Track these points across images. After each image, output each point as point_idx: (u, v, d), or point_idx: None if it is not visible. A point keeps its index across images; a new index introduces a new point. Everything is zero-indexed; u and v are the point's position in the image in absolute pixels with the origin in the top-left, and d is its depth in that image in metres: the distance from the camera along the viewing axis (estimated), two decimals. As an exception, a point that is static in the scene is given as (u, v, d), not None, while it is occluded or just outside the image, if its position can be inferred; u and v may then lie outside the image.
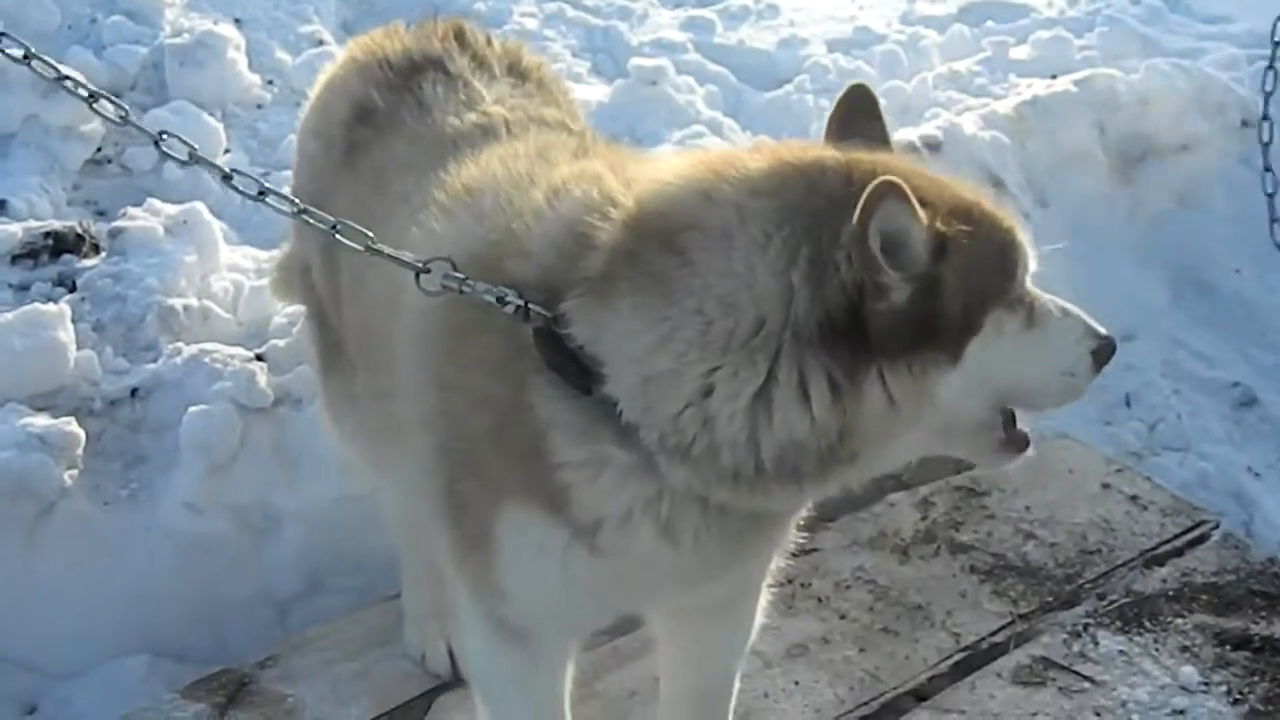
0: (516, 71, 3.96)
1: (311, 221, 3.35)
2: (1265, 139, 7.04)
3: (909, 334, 2.76)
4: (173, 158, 3.43)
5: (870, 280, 2.73)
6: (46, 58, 3.53)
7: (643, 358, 2.85)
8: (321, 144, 4.04)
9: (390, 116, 3.84)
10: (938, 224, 2.78)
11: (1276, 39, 6.72)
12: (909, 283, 2.74)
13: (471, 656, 3.56)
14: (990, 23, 8.67)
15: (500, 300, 2.95)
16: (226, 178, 3.39)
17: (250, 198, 3.40)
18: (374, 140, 3.83)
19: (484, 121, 3.67)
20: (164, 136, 3.41)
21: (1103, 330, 3.00)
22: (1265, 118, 7.03)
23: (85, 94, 3.51)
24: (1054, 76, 7.73)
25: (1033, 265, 2.93)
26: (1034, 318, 2.91)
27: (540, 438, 2.95)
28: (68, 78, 3.51)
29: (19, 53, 3.43)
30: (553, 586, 3.13)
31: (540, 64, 4.10)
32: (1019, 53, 8.32)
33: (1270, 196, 6.87)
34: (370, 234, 3.26)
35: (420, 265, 3.09)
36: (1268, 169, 6.93)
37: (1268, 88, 6.82)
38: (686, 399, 2.83)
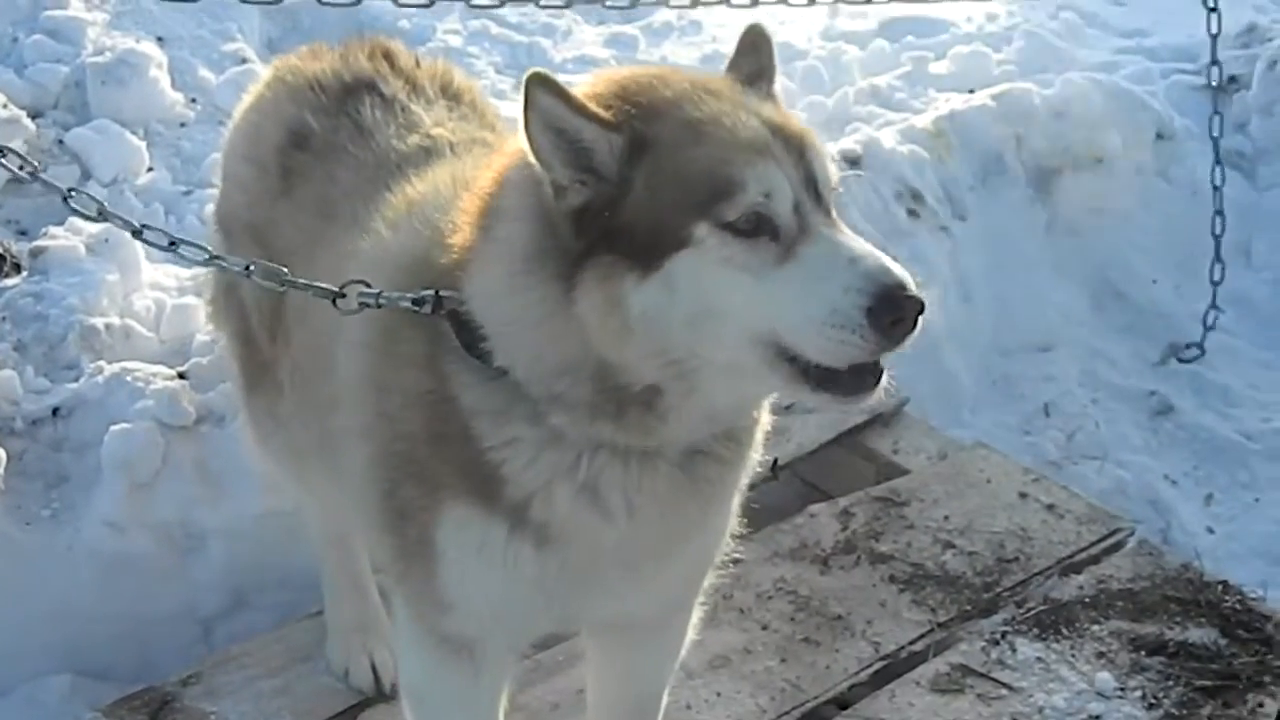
0: (450, 94, 4.00)
1: (224, 266, 3.42)
2: (1216, 133, 7.12)
3: (597, 238, 2.78)
4: (81, 214, 3.48)
5: (549, 181, 2.80)
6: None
7: (491, 303, 2.95)
8: (254, 169, 4.02)
9: (328, 141, 3.85)
10: (634, 125, 2.79)
11: (1214, 58, 6.80)
12: (587, 184, 2.79)
13: (409, 674, 3.59)
14: (910, 38, 8.74)
15: (416, 303, 3.03)
16: (137, 233, 3.46)
17: (162, 249, 3.46)
18: (314, 166, 3.83)
19: (429, 144, 3.71)
20: (72, 193, 3.47)
21: (895, 285, 2.68)
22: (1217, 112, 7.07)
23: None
24: (972, 91, 7.80)
25: (783, 199, 2.76)
26: (792, 254, 2.75)
27: (467, 427, 3.02)
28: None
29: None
30: (496, 588, 3.17)
31: (471, 86, 4.14)
32: (938, 67, 8.38)
33: (1217, 189, 6.93)
34: (284, 270, 3.33)
35: (336, 291, 3.16)
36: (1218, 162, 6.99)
37: (1217, 109, 6.90)
38: (520, 334, 2.91)
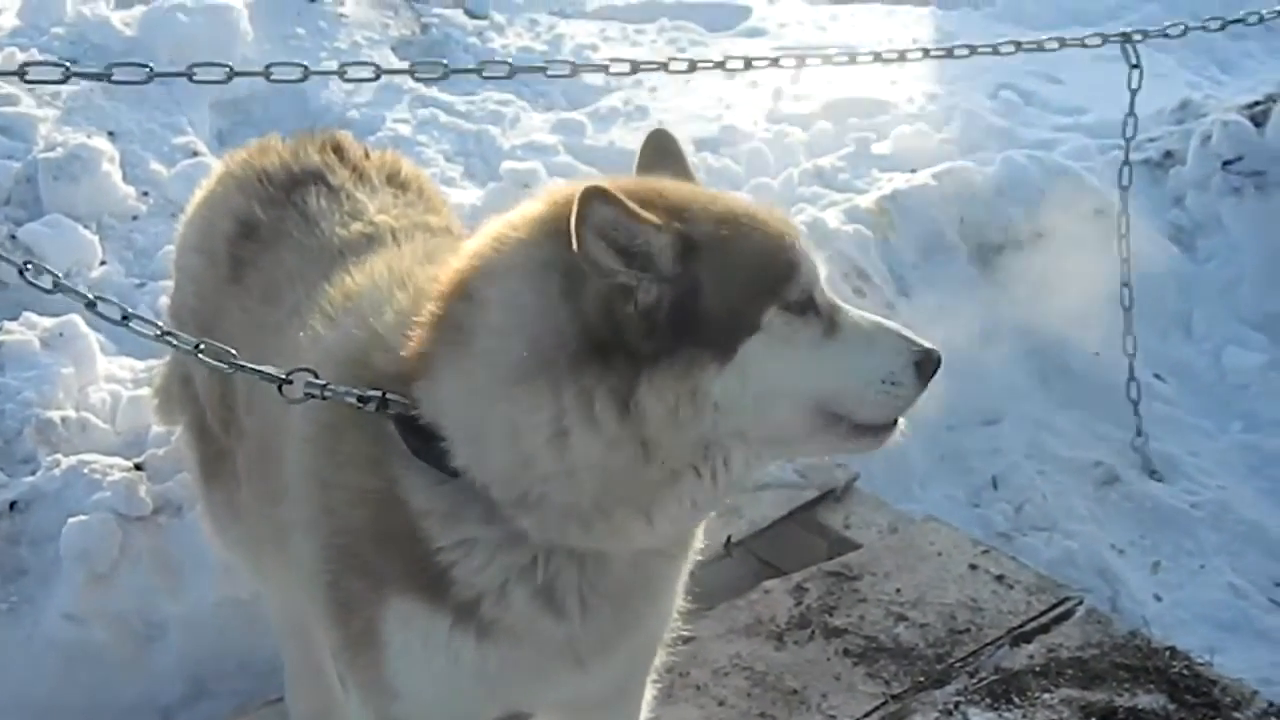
0: (396, 182, 4.07)
1: (174, 344, 3.45)
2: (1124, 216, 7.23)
3: (669, 335, 2.86)
4: (37, 286, 3.51)
5: (611, 285, 2.85)
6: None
7: (464, 414, 2.98)
8: (204, 260, 4.08)
9: (275, 230, 3.90)
10: (678, 225, 2.88)
11: (1128, 135, 6.92)
12: (655, 283, 2.85)
13: None
14: (853, 119, 8.89)
15: (361, 399, 3.07)
16: (90, 304, 3.48)
17: (115, 323, 3.49)
18: (261, 255, 3.88)
19: (371, 231, 3.76)
20: (28, 266, 3.50)
21: (924, 343, 3.04)
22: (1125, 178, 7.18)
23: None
24: (914, 170, 7.93)
25: (821, 274, 3.01)
26: (836, 326, 2.98)
27: (415, 527, 3.06)
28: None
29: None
30: (442, 679, 3.19)
31: (419, 174, 4.20)
32: (880, 147, 8.53)
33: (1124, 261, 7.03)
34: (233, 351, 3.37)
35: (282, 377, 3.20)
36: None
37: (1124, 182, 7.01)
38: (506, 444, 2.93)
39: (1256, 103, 8.63)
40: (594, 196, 2.80)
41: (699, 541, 3.38)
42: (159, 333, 3.50)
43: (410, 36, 10.36)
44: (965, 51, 6.41)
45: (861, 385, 2.98)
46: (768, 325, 2.89)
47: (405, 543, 3.07)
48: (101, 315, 3.51)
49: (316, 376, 3.17)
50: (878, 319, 3.07)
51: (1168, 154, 8.40)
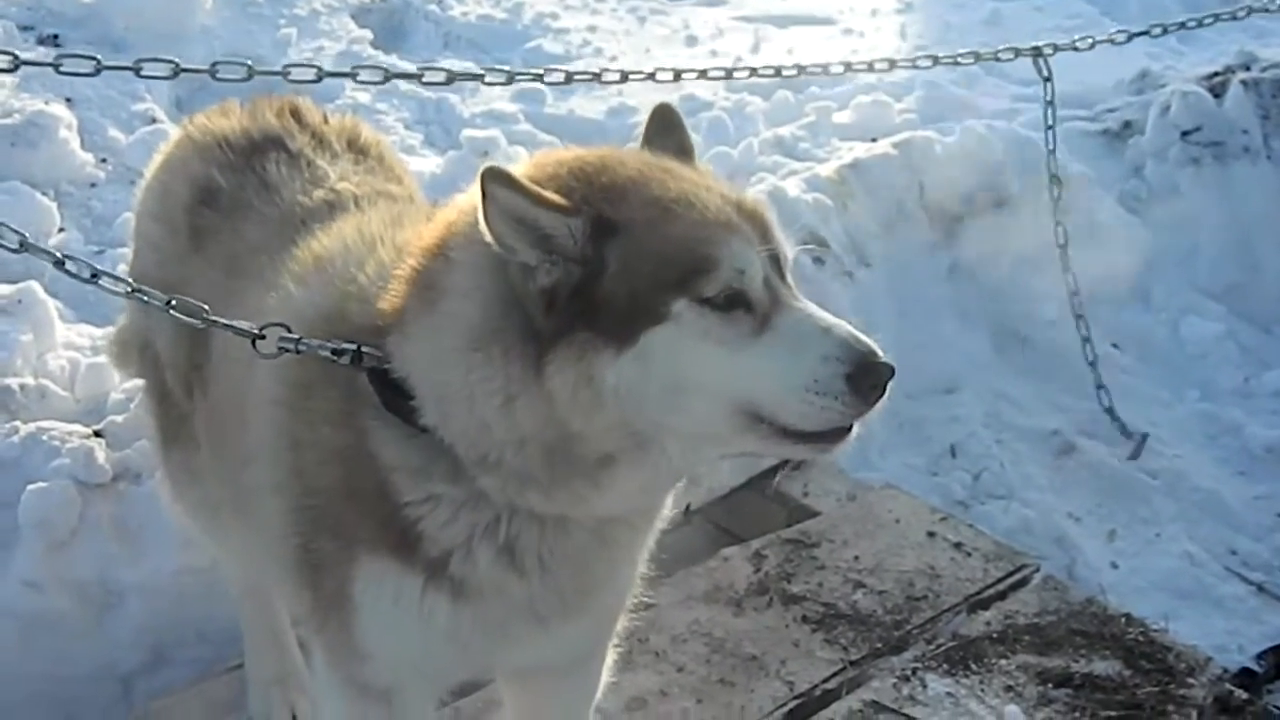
0: (356, 148, 4.06)
1: (146, 299, 3.44)
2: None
3: (568, 316, 2.85)
4: (4, 246, 3.50)
5: (516, 263, 2.87)
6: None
7: (430, 372, 2.99)
8: (164, 229, 4.06)
9: (235, 198, 3.89)
10: (592, 208, 2.88)
11: (1050, 147, 7.07)
12: (557, 264, 2.85)
13: None
14: (813, 89, 8.87)
15: (335, 352, 3.08)
16: (59, 263, 3.48)
17: (84, 281, 3.49)
18: (221, 223, 3.87)
19: (332, 198, 3.76)
20: None
21: (868, 353, 2.82)
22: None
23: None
24: (874, 139, 7.94)
25: (755, 274, 2.86)
26: (769, 326, 2.85)
27: (385, 483, 3.07)
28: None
29: None
30: (413, 638, 3.21)
31: (378, 140, 4.19)
32: (841, 117, 8.53)
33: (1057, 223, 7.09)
34: (205, 307, 3.37)
35: (255, 331, 3.20)
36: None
37: (1049, 146, 7.09)
38: (466, 406, 2.94)
39: (1215, 74, 8.66)
40: (492, 179, 2.82)
41: (667, 510, 3.39)
42: (130, 289, 3.50)
43: (370, 4, 10.30)
44: (885, 65, 6.83)
45: (782, 391, 2.82)
46: (677, 317, 2.82)
47: (375, 500, 3.09)
48: (70, 273, 3.51)
49: (290, 330, 3.19)
50: (831, 323, 2.86)
51: (1126, 124, 8.43)
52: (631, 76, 5.77)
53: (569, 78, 5.64)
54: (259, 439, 3.37)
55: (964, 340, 7.24)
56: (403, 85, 8.73)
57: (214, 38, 8.92)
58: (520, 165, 3.07)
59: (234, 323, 3.31)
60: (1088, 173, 7.80)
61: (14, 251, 3.57)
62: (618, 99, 8.76)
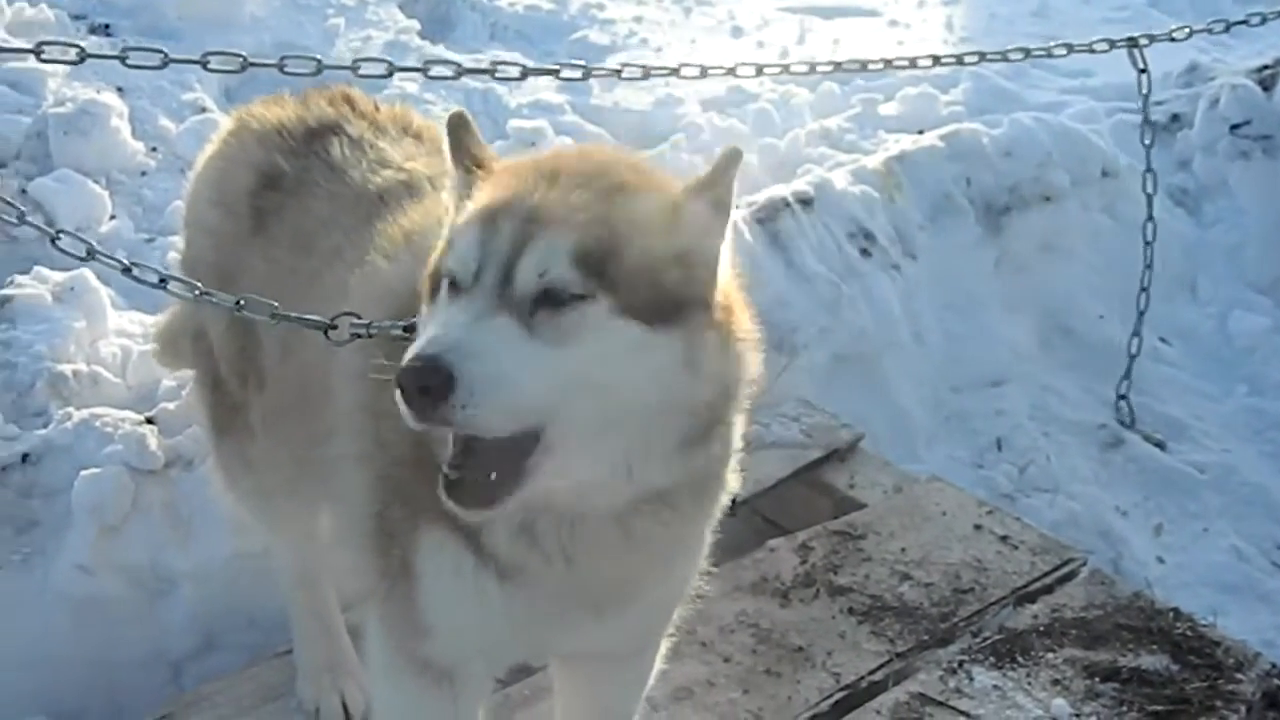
0: (411, 133, 4.08)
1: (215, 302, 3.50)
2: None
3: None
4: (70, 254, 3.56)
5: None
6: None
7: None
8: (222, 214, 4.09)
9: (300, 180, 3.93)
10: None
11: (1144, 91, 6.93)
12: None
13: (385, 704, 3.62)
14: (859, 80, 8.86)
15: (405, 329, 3.12)
16: (127, 270, 3.54)
17: (152, 286, 3.54)
18: (287, 204, 3.92)
19: (405, 178, 3.79)
20: (61, 235, 3.56)
21: (410, 355, 2.73)
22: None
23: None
24: (921, 131, 7.93)
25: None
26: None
27: (436, 454, 3.06)
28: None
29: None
30: (470, 613, 3.24)
31: (431, 126, 4.20)
32: (887, 109, 8.52)
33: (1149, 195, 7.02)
34: (275, 304, 3.41)
35: (327, 323, 3.25)
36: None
37: (1146, 141, 7.00)
38: None
39: (1265, 67, 8.62)
40: None
41: (716, 503, 3.36)
42: (197, 293, 3.55)
43: (417, -10, 10.32)
44: (974, 59, 6.58)
45: None
46: None
47: (436, 471, 3.09)
48: (138, 280, 3.58)
49: (358, 318, 3.25)
50: (442, 320, 2.83)
51: (1175, 117, 8.40)
52: (710, 70, 5.76)
53: (646, 73, 5.62)
54: (342, 411, 3.41)
55: (1010, 333, 7.22)
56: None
57: (263, 28, 8.96)
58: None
59: (306, 317, 3.39)
60: (1135, 165, 7.74)
61: (81, 260, 3.64)
62: (664, 90, 8.75)
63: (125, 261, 3.58)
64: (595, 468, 2.92)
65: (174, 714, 4.56)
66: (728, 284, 3.07)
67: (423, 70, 5.39)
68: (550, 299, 2.78)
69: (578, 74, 5.73)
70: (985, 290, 7.26)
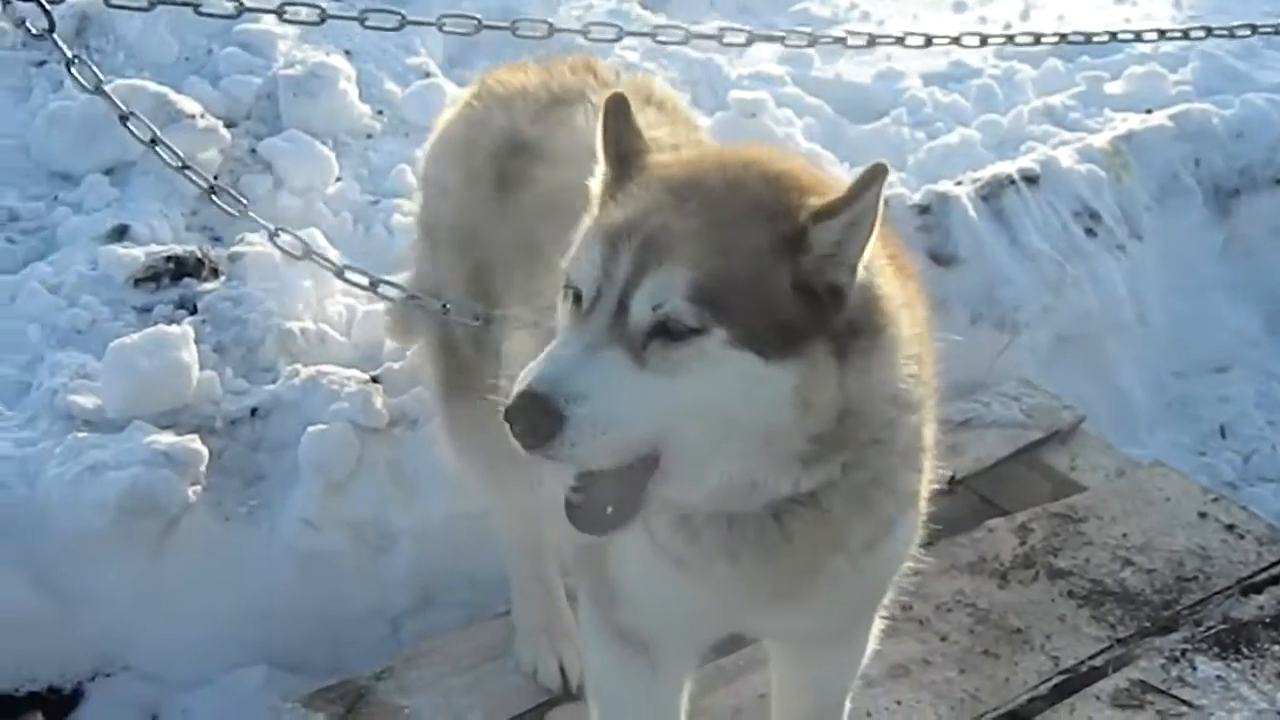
0: (654, 102, 4.06)
1: (423, 306, 3.56)
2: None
3: None
4: (287, 252, 3.67)
5: None
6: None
7: None
8: (464, 175, 4.16)
9: (546, 145, 3.96)
10: None
11: None
12: None
13: (593, 672, 3.68)
14: (1084, 58, 8.69)
15: None
16: (339, 273, 3.62)
17: (363, 289, 3.62)
18: (532, 168, 3.94)
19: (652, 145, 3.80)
20: (279, 233, 3.65)
21: (520, 388, 2.72)
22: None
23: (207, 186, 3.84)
24: (1149, 111, 7.76)
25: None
26: None
27: None
28: (187, 167, 3.84)
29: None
30: (654, 595, 3.27)
31: (672, 95, 4.24)
32: (1113, 87, 8.35)
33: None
34: (480, 308, 3.64)
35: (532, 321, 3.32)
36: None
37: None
38: None
39: None
40: None
41: (892, 509, 3.22)
42: (407, 296, 3.61)
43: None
44: (1201, 34, 6.58)
45: None
46: None
47: None
48: (351, 283, 3.72)
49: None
50: (556, 349, 2.80)
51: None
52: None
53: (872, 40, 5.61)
54: None
55: (1235, 318, 7.07)
56: (670, 45, 8.73)
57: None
58: None
59: (510, 313, 3.43)
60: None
61: (297, 258, 3.74)
62: (885, 63, 8.65)
63: (337, 264, 3.67)
64: (717, 483, 2.90)
65: (393, 668, 4.64)
66: (884, 296, 2.97)
67: (651, 35, 5.41)
68: (664, 331, 2.75)
69: (803, 41, 5.73)
70: (1212, 274, 7.12)
